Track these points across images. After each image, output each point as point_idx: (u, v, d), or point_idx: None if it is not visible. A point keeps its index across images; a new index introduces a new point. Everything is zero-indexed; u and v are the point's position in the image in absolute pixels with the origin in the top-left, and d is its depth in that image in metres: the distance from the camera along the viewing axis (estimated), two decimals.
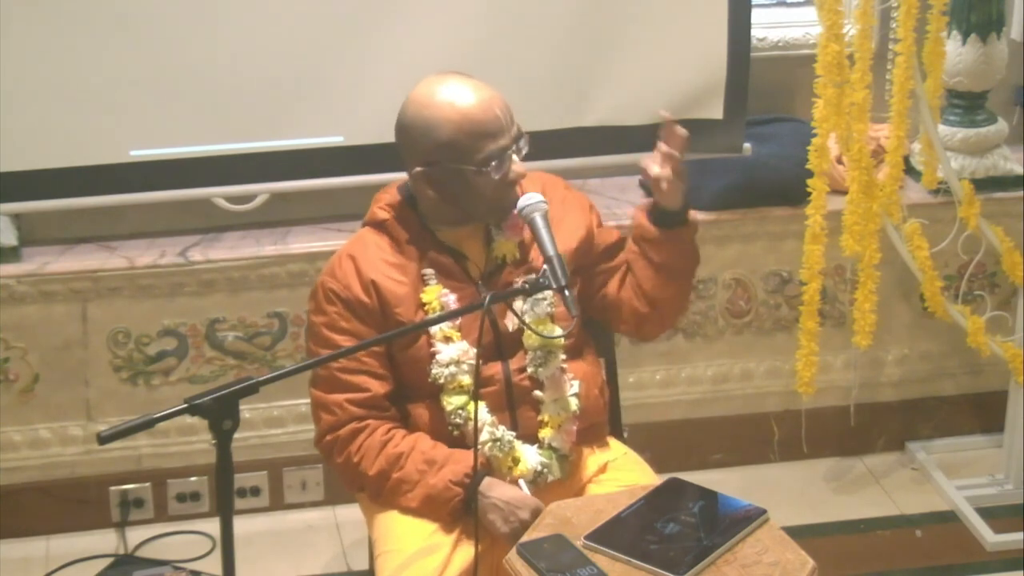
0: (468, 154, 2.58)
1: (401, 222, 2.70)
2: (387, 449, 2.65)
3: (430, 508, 2.63)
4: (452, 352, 2.65)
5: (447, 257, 2.69)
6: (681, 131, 2.67)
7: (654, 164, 2.68)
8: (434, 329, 2.65)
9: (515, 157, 2.62)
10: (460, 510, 2.62)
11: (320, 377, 2.69)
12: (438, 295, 2.66)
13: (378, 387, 2.67)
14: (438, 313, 2.63)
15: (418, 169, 2.63)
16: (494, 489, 2.62)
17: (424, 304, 2.66)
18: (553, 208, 2.74)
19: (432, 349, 2.66)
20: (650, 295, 2.77)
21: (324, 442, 2.70)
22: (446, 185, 2.62)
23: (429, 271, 2.68)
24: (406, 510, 2.65)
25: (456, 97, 2.58)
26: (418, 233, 2.70)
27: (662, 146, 2.67)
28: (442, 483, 2.61)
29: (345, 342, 2.63)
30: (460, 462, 2.62)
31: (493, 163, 2.58)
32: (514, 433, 2.69)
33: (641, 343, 3.68)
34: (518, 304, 2.69)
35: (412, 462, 2.64)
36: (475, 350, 2.60)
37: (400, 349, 2.68)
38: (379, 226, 2.72)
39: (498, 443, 2.66)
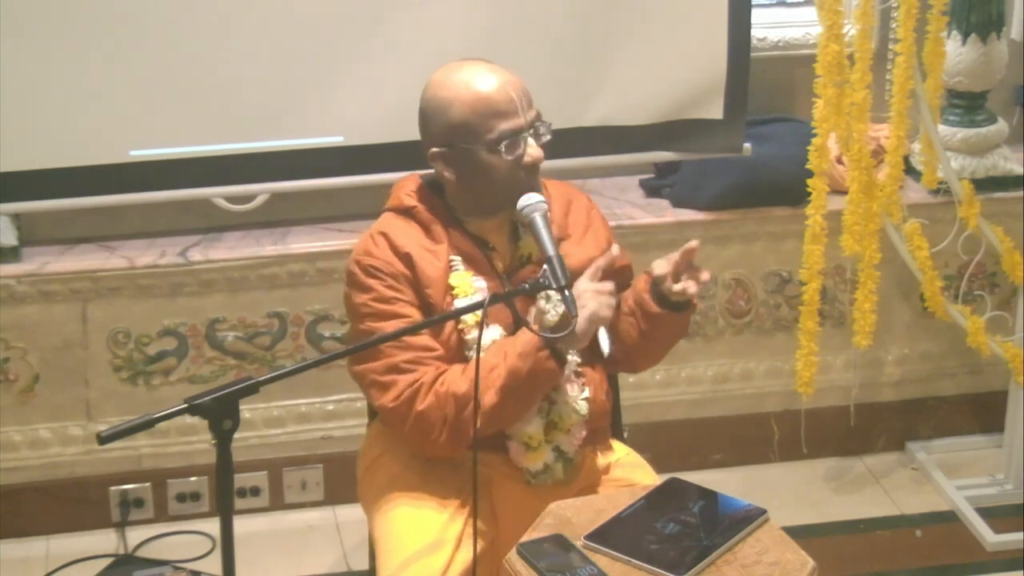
0: (480, 134, 2.59)
1: (429, 209, 2.70)
2: (468, 366, 2.60)
3: (520, 379, 2.57)
4: (492, 334, 2.65)
5: (474, 247, 2.70)
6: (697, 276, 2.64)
7: (671, 278, 2.64)
8: (467, 316, 2.64)
9: (532, 141, 2.63)
10: (553, 364, 2.57)
11: (380, 349, 2.63)
12: (470, 280, 2.66)
13: (439, 348, 2.66)
14: (448, 309, 2.62)
15: (434, 150, 2.64)
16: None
17: (453, 288, 2.65)
18: (579, 218, 2.77)
19: (465, 337, 2.65)
20: (627, 348, 2.77)
21: (405, 395, 2.60)
22: (461, 166, 2.63)
23: (456, 258, 2.68)
24: (502, 392, 2.58)
25: (472, 78, 2.60)
26: (446, 220, 2.70)
27: (681, 263, 2.63)
28: (520, 346, 2.57)
29: (401, 309, 2.62)
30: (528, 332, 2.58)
31: (505, 143, 2.59)
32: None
33: None
34: (542, 302, 2.69)
35: (491, 351, 2.61)
36: (505, 332, 2.60)
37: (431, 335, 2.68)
38: (406, 212, 2.72)
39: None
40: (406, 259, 2.65)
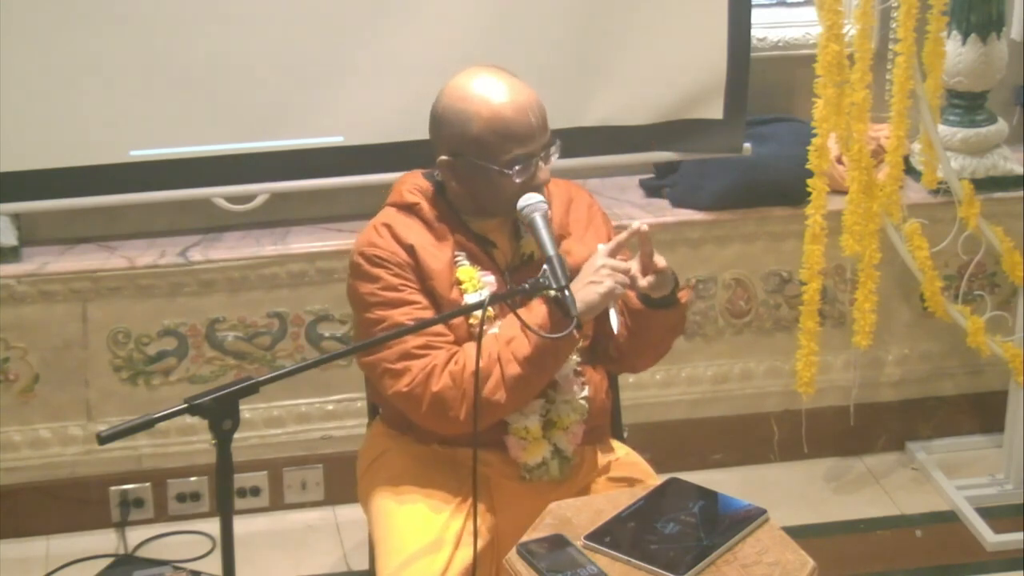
0: (494, 154, 2.58)
1: (432, 207, 2.70)
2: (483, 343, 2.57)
3: (543, 349, 2.57)
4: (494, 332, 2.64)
5: (476, 245, 2.69)
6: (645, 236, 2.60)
7: (639, 275, 2.62)
8: (477, 312, 2.61)
9: (542, 164, 2.62)
10: (575, 333, 2.54)
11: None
12: (477, 275, 2.66)
13: (449, 332, 2.64)
14: (456, 301, 2.62)
15: (444, 157, 2.64)
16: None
17: (461, 283, 2.65)
18: (580, 215, 2.77)
19: (472, 330, 2.62)
20: (623, 348, 2.77)
21: (419, 379, 2.59)
22: (468, 177, 2.63)
23: (460, 254, 2.68)
24: (526, 364, 2.57)
25: (492, 94, 2.58)
26: (448, 219, 2.70)
27: (642, 258, 2.62)
28: (540, 317, 2.56)
29: (409, 295, 2.61)
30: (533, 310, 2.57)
31: (517, 167, 2.58)
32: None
33: None
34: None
35: (505, 324, 2.60)
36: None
37: None
38: (408, 208, 2.71)
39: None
40: (409, 250, 2.65)
